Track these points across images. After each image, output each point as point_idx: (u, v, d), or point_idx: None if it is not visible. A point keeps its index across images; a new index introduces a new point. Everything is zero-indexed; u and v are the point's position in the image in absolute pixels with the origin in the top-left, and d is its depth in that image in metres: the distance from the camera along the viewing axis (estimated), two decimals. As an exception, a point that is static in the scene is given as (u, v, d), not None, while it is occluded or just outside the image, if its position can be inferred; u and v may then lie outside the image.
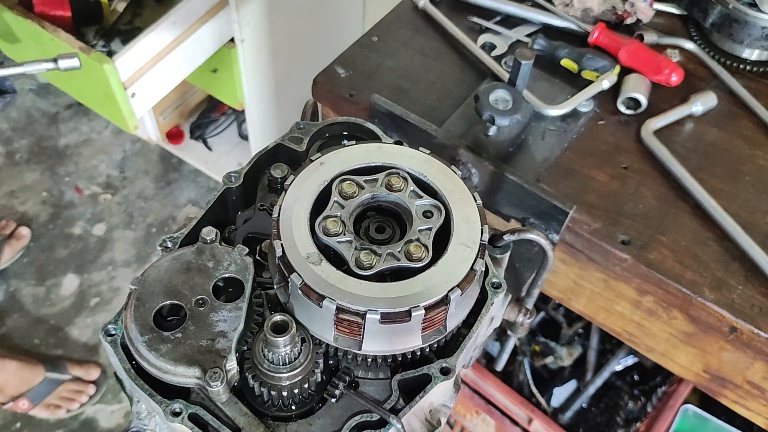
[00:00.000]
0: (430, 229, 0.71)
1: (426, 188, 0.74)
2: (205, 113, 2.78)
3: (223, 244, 0.73)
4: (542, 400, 1.76)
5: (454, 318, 0.70)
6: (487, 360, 1.76)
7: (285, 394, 0.67)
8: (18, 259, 2.54)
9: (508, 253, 0.86)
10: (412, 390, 0.69)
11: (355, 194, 0.72)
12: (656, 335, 1.14)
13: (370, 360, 0.70)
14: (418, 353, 0.71)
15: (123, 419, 2.26)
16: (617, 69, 1.24)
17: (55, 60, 1.42)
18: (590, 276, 1.13)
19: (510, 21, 1.36)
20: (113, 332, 0.69)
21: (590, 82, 1.24)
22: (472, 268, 0.68)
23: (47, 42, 1.75)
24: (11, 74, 1.50)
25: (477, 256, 0.68)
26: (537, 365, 1.83)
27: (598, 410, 1.76)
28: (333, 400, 0.70)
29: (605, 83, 1.22)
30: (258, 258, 0.76)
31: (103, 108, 1.91)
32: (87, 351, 2.37)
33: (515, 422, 1.63)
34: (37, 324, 2.41)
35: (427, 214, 0.72)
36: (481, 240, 0.69)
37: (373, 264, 0.67)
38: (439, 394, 0.71)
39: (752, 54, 1.31)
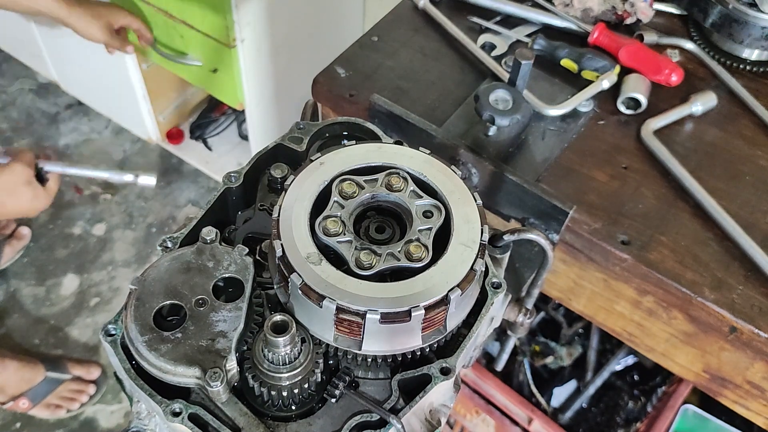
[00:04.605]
0: (430, 229, 0.70)
1: (426, 188, 0.74)
2: (205, 113, 2.78)
3: (223, 244, 0.73)
4: (542, 400, 1.76)
5: (454, 318, 0.70)
6: (487, 360, 1.76)
7: (285, 394, 0.67)
8: (18, 259, 2.54)
9: (508, 253, 0.86)
10: (412, 390, 0.69)
11: (355, 194, 0.72)
12: (656, 335, 1.14)
13: (370, 360, 0.70)
14: (418, 353, 0.71)
15: (123, 419, 2.26)
16: (617, 69, 1.24)
17: (136, 175, 1.54)
18: (590, 276, 1.13)
19: (510, 21, 1.36)
20: (113, 332, 0.69)
21: (590, 82, 1.24)
22: (472, 268, 0.68)
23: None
24: (84, 176, 1.62)
25: (477, 256, 0.68)
26: (537, 365, 1.82)
27: (598, 410, 1.76)
28: (333, 400, 0.69)
29: (605, 83, 1.22)
30: (258, 258, 0.76)
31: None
32: (87, 351, 2.37)
33: (515, 422, 1.63)
34: (37, 324, 2.41)
35: (427, 214, 0.72)
36: (481, 240, 0.69)
37: (373, 264, 0.67)
38: (439, 394, 0.71)
39: (752, 54, 1.31)
